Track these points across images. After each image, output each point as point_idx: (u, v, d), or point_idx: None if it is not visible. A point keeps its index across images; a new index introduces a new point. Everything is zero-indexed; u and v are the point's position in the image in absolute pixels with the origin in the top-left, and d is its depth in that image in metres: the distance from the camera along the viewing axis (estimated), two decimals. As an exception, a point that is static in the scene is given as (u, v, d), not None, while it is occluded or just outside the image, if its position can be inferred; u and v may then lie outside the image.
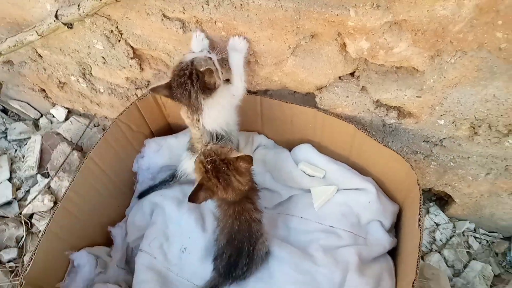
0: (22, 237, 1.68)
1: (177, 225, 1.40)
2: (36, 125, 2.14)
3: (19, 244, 1.68)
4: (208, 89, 1.15)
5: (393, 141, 1.38)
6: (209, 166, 1.09)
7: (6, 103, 2.10)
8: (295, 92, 1.40)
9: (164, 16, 1.20)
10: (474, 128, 1.16)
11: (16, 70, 1.83)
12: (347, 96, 1.26)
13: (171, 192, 1.46)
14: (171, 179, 1.48)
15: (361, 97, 1.25)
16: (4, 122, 2.13)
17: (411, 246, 1.13)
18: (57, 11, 1.20)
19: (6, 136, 2.08)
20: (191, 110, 1.20)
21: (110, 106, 1.86)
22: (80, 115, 2.09)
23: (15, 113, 2.15)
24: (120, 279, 1.39)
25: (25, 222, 1.71)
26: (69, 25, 1.23)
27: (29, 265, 1.13)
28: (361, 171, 1.40)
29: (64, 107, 2.07)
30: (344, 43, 1.09)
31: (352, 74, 1.25)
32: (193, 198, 1.10)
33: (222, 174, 1.10)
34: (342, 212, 1.34)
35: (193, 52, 1.19)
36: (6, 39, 1.40)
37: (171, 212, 1.41)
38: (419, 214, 1.10)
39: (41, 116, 2.17)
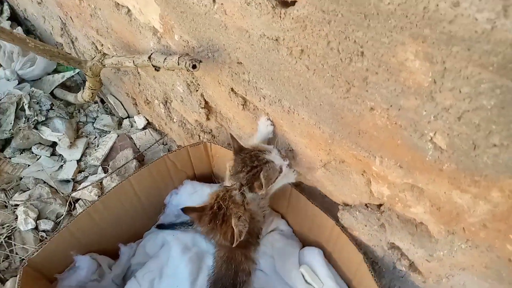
0: (62, 215, 1.91)
1: (174, 269, 1.48)
2: (119, 123, 2.43)
3: (57, 220, 1.91)
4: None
5: (400, 286, 1.31)
6: (220, 202, 1.21)
7: (105, 96, 2.43)
8: (326, 195, 1.42)
9: (232, 90, 1.33)
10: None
11: (120, 75, 2.13)
12: (365, 226, 1.24)
13: (184, 236, 1.56)
14: (190, 223, 1.58)
15: (378, 232, 1.22)
16: (98, 111, 2.46)
17: None
18: (151, 54, 1.40)
19: (94, 123, 2.39)
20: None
21: (177, 134, 2.05)
22: (156, 130, 2.32)
23: (109, 106, 2.46)
24: (109, 292, 1.51)
25: (70, 203, 1.94)
26: (157, 68, 1.41)
27: (37, 250, 1.30)
28: (357, 301, 1.35)
29: (145, 118, 2.32)
30: (369, 180, 1.10)
31: (379, 206, 1.24)
32: (187, 209, 1.26)
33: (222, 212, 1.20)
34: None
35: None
36: (113, 56, 1.65)
37: (175, 254, 1.50)
38: None
39: (127, 117, 2.45)
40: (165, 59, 1.32)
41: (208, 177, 1.76)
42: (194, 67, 1.15)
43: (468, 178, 0.78)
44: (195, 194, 1.65)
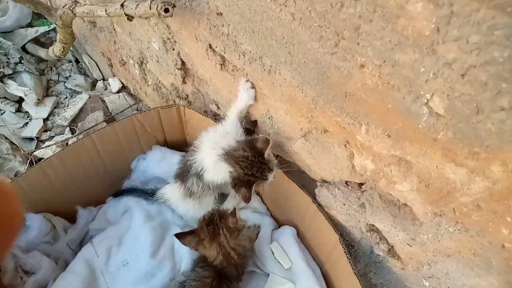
0: (21, 175, 1.76)
1: (134, 237, 1.37)
2: (93, 85, 2.28)
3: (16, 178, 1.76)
4: None
5: (376, 272, 1.22)
6: (207, 218, 1.19)
7: (80, 55, 2.27)
8: (304, 172, 1.32)
9: (210, 47, 1.20)
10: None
11: (95, 32, 1.97)
12: (344, 204, 1.14)
13: (147, 205, 1.44)
14: (151, 194, 1.45)
15: (357, 212, 1.12)
16: (71, 70, 2.30)
17: None
18: (124, 1, 1.25)
19: (66, 82, 2.23)
20: None
21: (152, 99, 1.91)
22: (131, 95, 2.18)
23: (83, 66, 2.30)
24: (62, 257, 1.39)
25: (31, 162, 1.80)
26: (129, 17, 1.27)
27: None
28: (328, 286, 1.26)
29: (120, 81, 2.17)
30: (352, 153, 0.99)
31: (360, 185, 1.14)
32: (181, 236, 1.18)
33: (213, 224, 1.17)
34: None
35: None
36: (85, 5, 1.50)
37: (137, 222, 1.38)
38: None
39: (102, 79, 2.30)
40: (137, 6, 1.18)
41: (180, 145, 1.63)
42: (166, 11, 1.01)
43: (466, 149, 0.67)
44: (164, 162, 1.53)
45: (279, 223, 1.44)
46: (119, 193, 1.49)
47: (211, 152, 1.15)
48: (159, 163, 1.53)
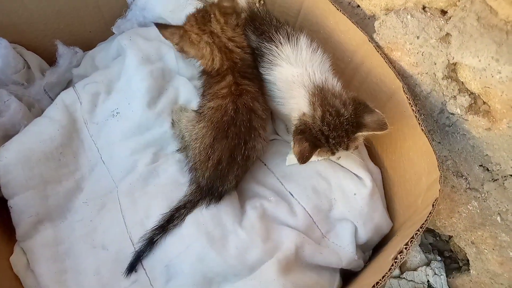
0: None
1: (127, 83, 1.06)
2: None
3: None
4: None
5: (440, 142, 0.93)
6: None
7: None
8: (358, 6, 0.97)
9: None
10: None
11: None
12: (418, 37, 0.81)
13: (146, 43, 1.11)
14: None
15: (435, 48, 0.80)
16: None
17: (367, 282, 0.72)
18: None
19: None
20: None
21: None
22: None
23: None
24: (38, 105, 1.11)
25: None
26: None
27: None
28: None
29: None
30: None
31: (443, 12, 0.80)
32: (162, 27, 0.93)
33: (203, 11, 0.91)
34: (315, 185, 0.94)
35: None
36: None
37: (130, 64, 1.06)
38: (406, 245, 0.69)
39: None
40: None
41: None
42: None
43: None
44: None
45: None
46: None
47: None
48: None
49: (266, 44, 0.91)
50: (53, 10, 1.10)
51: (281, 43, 0.90)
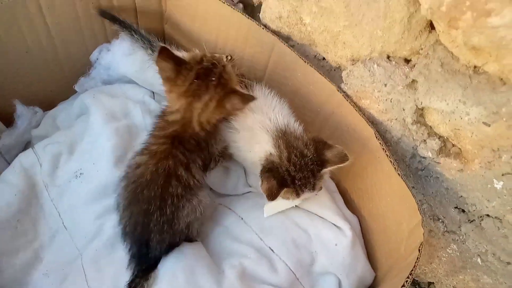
0: None
1: (92, 142, 1.02)
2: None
3: None
4: None
5: (414, 186, 0.94)
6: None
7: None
8: (323, 58, 1.00)
9: None
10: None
11: None
12: (385, 85, 0.84)
13: (110, 100, 1.08)
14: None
15: (403, 95, 0.82)
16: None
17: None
18: None
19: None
20: None
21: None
22: None
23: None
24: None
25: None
26: None
27: None
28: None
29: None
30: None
31: (407, 61, 0.84)
32: (165, 53, 0.79)
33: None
34: (295, 238, 0.90)
35: None
36: None
37: (94, 122, 1.03)
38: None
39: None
40: None
41: (156, 33, 1.24)
42: None
43: None
44: (133, 57, 1.15)
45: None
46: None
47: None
48: (126, 58, 1.15)
49: None
50: (12, 70, 1.05)
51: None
